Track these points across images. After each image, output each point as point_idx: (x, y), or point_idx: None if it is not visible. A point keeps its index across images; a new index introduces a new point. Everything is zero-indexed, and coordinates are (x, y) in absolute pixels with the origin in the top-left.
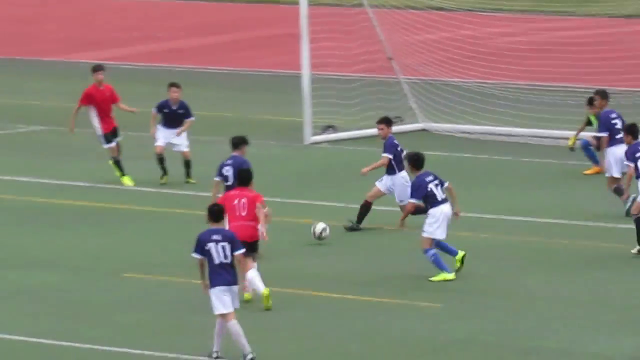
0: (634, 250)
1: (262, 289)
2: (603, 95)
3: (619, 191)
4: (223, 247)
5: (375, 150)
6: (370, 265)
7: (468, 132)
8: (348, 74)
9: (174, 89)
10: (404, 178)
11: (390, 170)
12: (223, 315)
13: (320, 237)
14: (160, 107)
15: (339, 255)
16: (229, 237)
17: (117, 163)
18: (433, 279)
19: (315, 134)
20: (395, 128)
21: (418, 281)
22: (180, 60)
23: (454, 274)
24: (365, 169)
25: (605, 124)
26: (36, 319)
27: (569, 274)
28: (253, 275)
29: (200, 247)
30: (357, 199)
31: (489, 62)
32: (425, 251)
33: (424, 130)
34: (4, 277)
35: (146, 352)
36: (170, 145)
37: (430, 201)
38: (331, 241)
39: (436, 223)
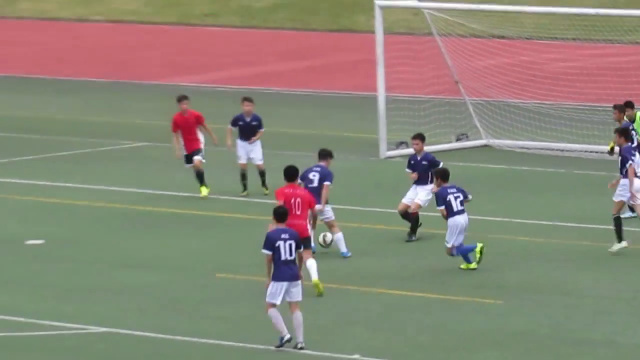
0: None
1: (315, 277)
2: (620, 109)
3: None
4: (290, 245)
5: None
6: (439, 266)
7: (526, 148)
8: (419, 96)
9: (246, 102)
10: (429, 190)
11: (424, 181)
12: (271, 305)
13: (325, 244)
14: (236, 120)
15: (411, 257)
16: (294, 236)
17: (199, 176)
18: (463, 266)
19: (389, 149)
20: (460, 144)
21: (481, 280)
22: (268, 83)
23: (475, 263)
24: (435, 188)
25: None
26: (141, 314)
27: (614, 274)
28: (312, 263)
29: (271, 244)
30: (426, 207)
31: (545, 85)
32: (451, 254)
33: (486, 145)
34: (113, 276)
35: (238, 344)
36: (250, 159)
37: (448, 211)
38: (404, 245)
39: (453, 235)
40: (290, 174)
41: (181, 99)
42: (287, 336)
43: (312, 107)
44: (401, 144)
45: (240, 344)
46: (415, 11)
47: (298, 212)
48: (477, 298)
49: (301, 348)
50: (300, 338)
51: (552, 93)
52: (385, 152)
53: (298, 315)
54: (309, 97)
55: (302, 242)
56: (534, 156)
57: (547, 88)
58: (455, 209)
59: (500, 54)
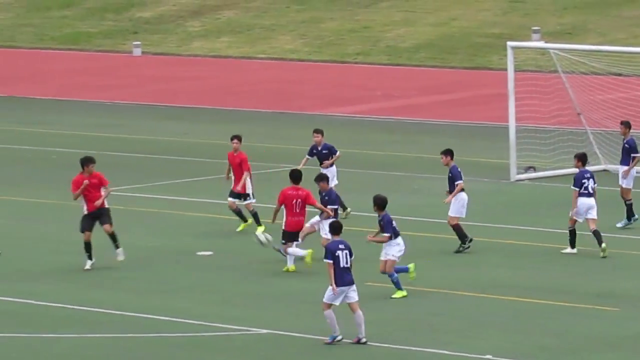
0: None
1: (303, 253)
2: (627, 124)
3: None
4: (346, 254)
5: (567, 187)
6: (562, 277)
7: None
8: (545, 126)
9: (315, 134)
10: (464, 200)
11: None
12: (327, 304)
13: (263, 243)
14: (311, 150)
15: (538, 269)
16: (348, 246)
17: (238, 214)
18: (395, 296)
19: (519, 173)
20: None
21: (600, 290)
22: (412, 114)
23: (405, 291)
24: (449, 199)
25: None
26: (298, 317)
27: None
28: (294, 250)
29: (331, 254)
30: (552, 225)
31: None
32: (390, 275)
33: (605, 170)
34: (272, 283)
35: (382, 345)
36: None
37: (395, 233)
38: (532, 258)
39: (400, 251)
40: (295, 176)
41: (232, 138)
42: (340, 336)
43: (451, 135)
44: (529, 168)
45: (385, 345)
46: (543, 51)
47: (298, 210)
48: (597, 305)
49: (365, 342)
50: (362, 333)
51: None
52: (515, 176)
53: (359, 314)
54: (448, 127)
55: (296, 235)
56: None
57: None
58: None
59: (617, 90)
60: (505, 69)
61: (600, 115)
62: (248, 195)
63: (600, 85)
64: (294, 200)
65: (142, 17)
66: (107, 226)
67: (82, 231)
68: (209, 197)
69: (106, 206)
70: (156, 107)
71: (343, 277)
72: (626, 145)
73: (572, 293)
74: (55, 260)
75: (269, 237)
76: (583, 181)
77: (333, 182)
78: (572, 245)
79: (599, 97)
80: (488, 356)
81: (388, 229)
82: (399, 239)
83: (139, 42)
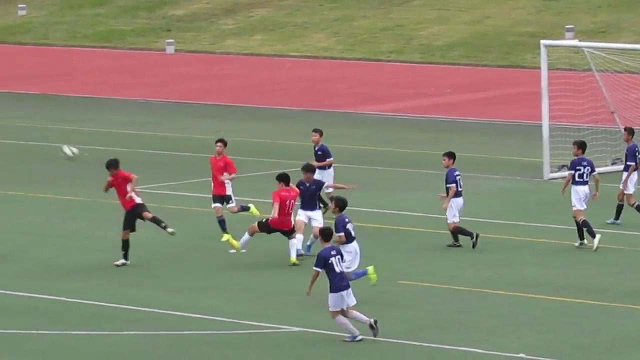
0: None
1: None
2: (630, 131)
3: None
4: (339, 260)
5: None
6: (594, 276)
7: None
8: (579, 124)
9: (313, 133)
10: (459, 205)
11: (456, 195)
12: (335, 312)
13: (68, 155)
14: (313, 149)
15: (570, 267)
16: (339, 251)
17: (220, 222)
18: (371, 278)
19: (552, 171)
20: (616, 167)
21: (633, 289)
22: (445, 112)
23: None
24: (445, 204)
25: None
26: (329, 315)
27: None
28: (298, 240)
29: (324, 262)
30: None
31: None
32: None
33: None
34: (302, 281)
35: (415, 343)
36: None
37: (347, 236)
38: (564, 256)
39: (350, 257)
40: (284, 178)
41: (216, 141)
42: (360, 336)
43: (484, 134)
44: (562, 167)
45: (416, 343)
46: (576, 50)
47: (288, 211)
48: (629, 304)
49: (376, 321)
50: (366, 319)
51: None
52: (548, 174)
53: (354, 314)
54: (481, 125)
55: (288, 231)
56: None
57: None
58: (353, 235)
59: None
60: (539, 68)
61: (634, 114)
62: (230, 197)
63: (634, 83)
64: (288, 201)
65: (175, 15)
66: (145, 214)
67: (124, 229)
68: (242, 195)
69: (139, 202)
70: (189, 105)
71: (340, 282)
72: (626, 152)
73: (605, 292)
74: (87, 257)
75: (75, 150)
76: (579, 167)
77: (328, 186)
78: (592, 235)
79: (633, 95)
80: (521, 354)
81: (338, 228)
82: (349, 247)
83: (172, 40)
